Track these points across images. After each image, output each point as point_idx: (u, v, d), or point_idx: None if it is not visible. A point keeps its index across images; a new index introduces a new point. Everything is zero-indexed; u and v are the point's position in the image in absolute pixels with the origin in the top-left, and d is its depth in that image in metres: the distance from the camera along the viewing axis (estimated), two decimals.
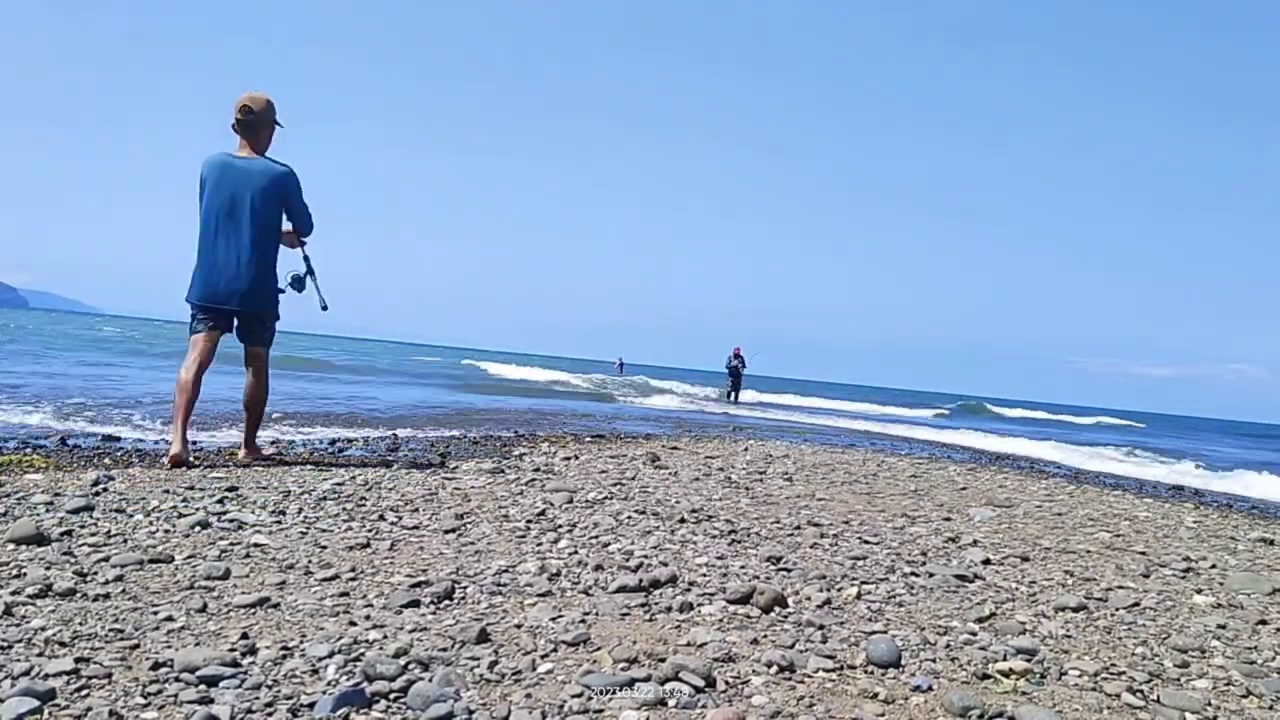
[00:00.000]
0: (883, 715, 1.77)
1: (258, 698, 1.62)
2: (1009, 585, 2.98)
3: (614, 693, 1.74)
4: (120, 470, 4.06)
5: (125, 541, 2.69)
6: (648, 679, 1.81)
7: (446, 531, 3.14)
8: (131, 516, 3.02)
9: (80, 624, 1.95)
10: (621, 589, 2.49)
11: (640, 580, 2.54)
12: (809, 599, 2.55)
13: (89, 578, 2.29)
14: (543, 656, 1.93)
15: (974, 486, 6.09)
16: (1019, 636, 2.34)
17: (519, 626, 2.13)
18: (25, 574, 2.27)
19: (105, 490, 3.44)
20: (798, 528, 3.71)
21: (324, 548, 2.80)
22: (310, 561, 2.61)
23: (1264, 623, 2.73)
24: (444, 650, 1.92)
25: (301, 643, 1.91)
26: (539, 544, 3.03)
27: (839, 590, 2.70)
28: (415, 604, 2.25)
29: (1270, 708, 1.99)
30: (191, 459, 4.30)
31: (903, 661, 2.07)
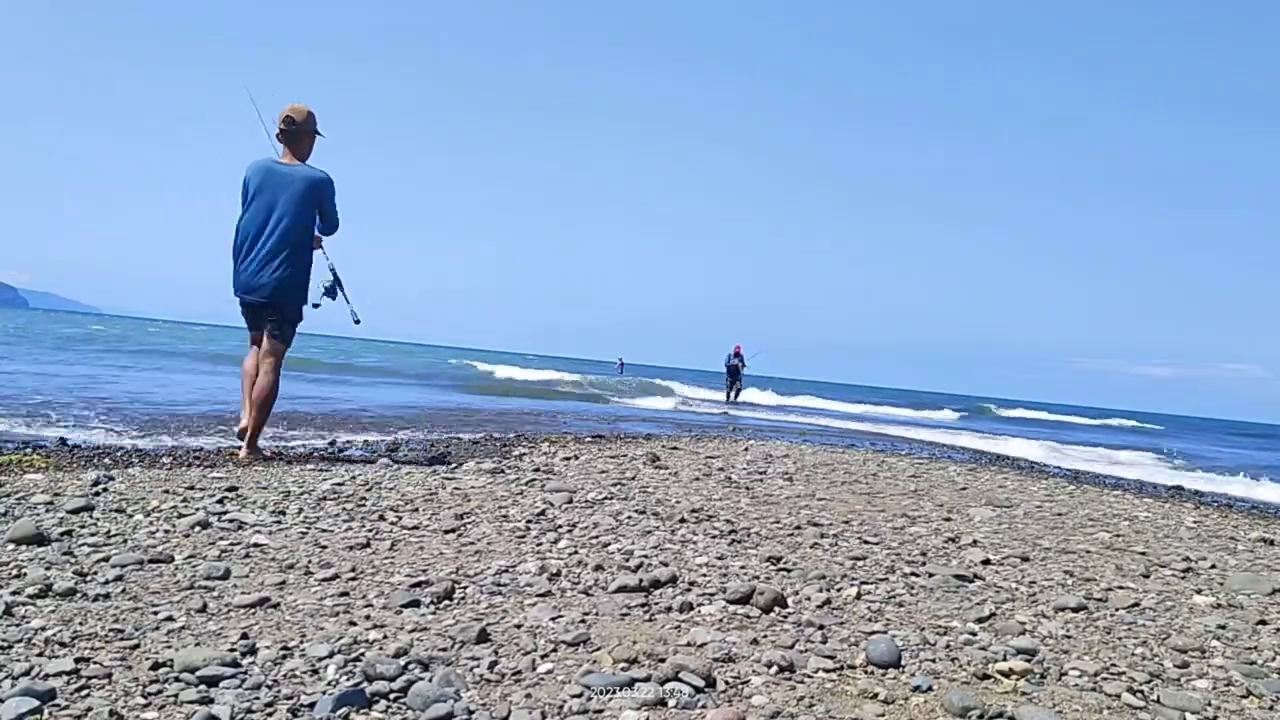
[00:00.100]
0: (883, 715, 1.77)
1: (258, 698, 1.62)
2: (1009, 585, 2.98)
3: (614, 693, 1.74)
4: (120, 470, 4.06)
5: (125, 541, 2.69)
6: (648, 679, 1.81)
7: (446, 531, 3.14)
8: (131, 516, 3.03)
9: (80, 624, 1.95)
10: (621, 589, 2.49)
11: (640, 580, 2.54)
12: (809, 599, 2.55)
13: (89, 578, 2.30)
14: (543, 656, 1.93)
15: (974, 486, 6.09)
16: (1019, 636, 2.34)
17: (519, 626, 2.13)
18: (25, 574, 2.27)
19: (105, 490, 3.44)
20: (798, 528, 3.71)
21: (324, 548, 2.80)
22: (310, 561, 2.61)
23: (1264, 623, 2.73)
24: (444, 650, 1.92)
25: (301, 643, 1.91)
26: (539, 544, 3.03)
27: (839, 590, 2.70)
28: (415, 604, 2.25)
29: (1270, 708, 1.99)
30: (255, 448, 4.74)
31: (903, 661, 2.07)
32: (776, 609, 2.42)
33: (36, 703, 1.52)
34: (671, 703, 1.73)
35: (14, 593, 2.10)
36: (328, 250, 4.92)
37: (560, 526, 3.32)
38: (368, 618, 2.13)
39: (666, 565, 2.81)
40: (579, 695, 1.72)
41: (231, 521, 3.04)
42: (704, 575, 2.75)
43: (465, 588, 2.44)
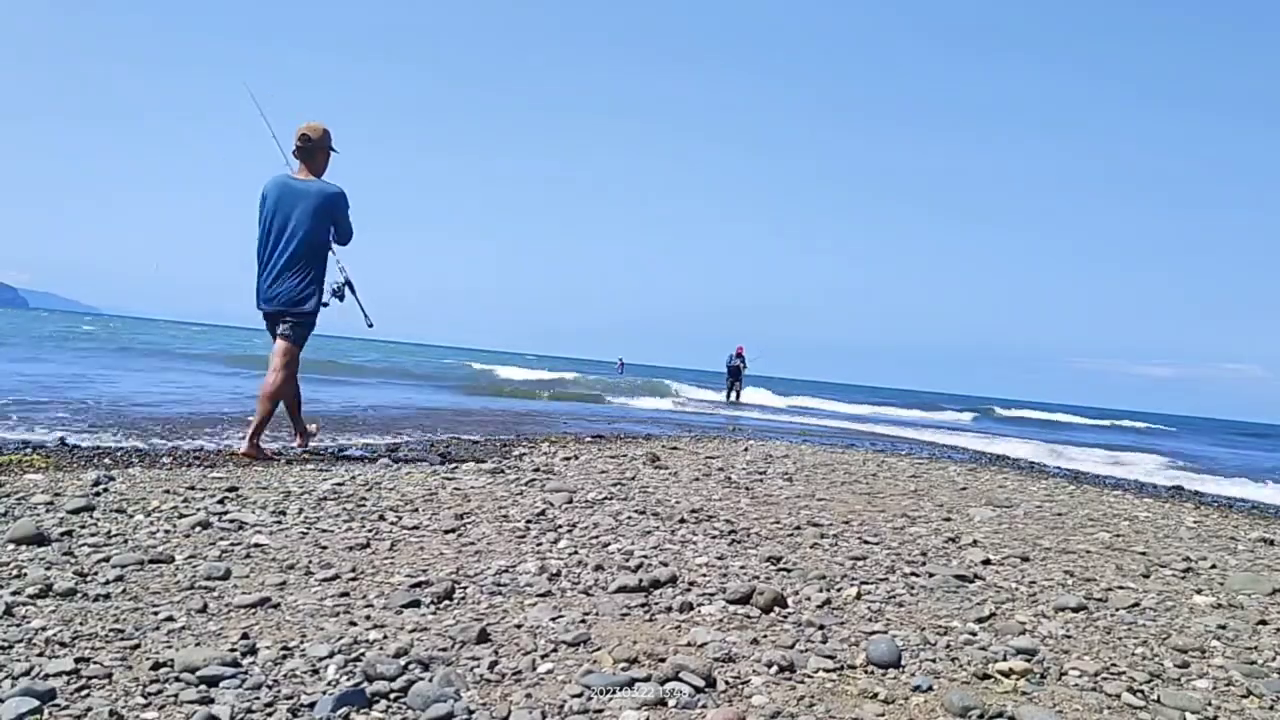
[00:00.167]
0: (883, 715, 1.77)
1: (258, 698, 1.62)
2: (1009, 585, 2.98)
3: (614, 693, 1.74)
4: (120, 470, 4.06)
5: (125, 541, 2.69)
6: (648, 679, 1.81)
7: (446, 531, 3.14)
8: (132, 516, 3.03)
9: (80, 624, 1.95)
10: (621, 589, 2.49)
11: (640, 580, 2.54)
12: (809, 599, 2.55)
13: (89, 578, 2.30)
14: (543, 656, 1.93)
15: (974, 486, 6.09)
16: (1019, 636, 2.34)
17: (519, 626, 2.13)
18: (25, 574, 2.27)
19: (105, 490, 3.44)
20: (798, 528, 3.71)
21: (324, 548, 2.80)
22: (310, 561, 2.61)
23: (1264, 623, 2.73)
24: (444, 650, 1.92)
25: (302, 643, 1.91)
26: (539, 544, 3.03)
27: (839, 590, 2.70)
28: (415, 604, 2.25)
29: (1270, 708, 1.99)
30: (311, 433, 5.26)
31: (903, 661, 2.07)
32: (776, 609, 2.42)
33: (36, 703, 1.52)
34: (671, 703, 1.73)
35: (14, 593, 2.11)
36: (341, 258, 5.11)
37: (560, 526, 3.32)
38: (368, 618, 2.13)
39: (666, 565, 2.81)
40: (579, 695, 1.72)
41: (232, 521, 3.04)
42: (704, 575, 2.75)
43: (465, 588, 2.44)
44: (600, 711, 1.67)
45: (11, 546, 2.53)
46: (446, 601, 2.30)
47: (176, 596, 2.21)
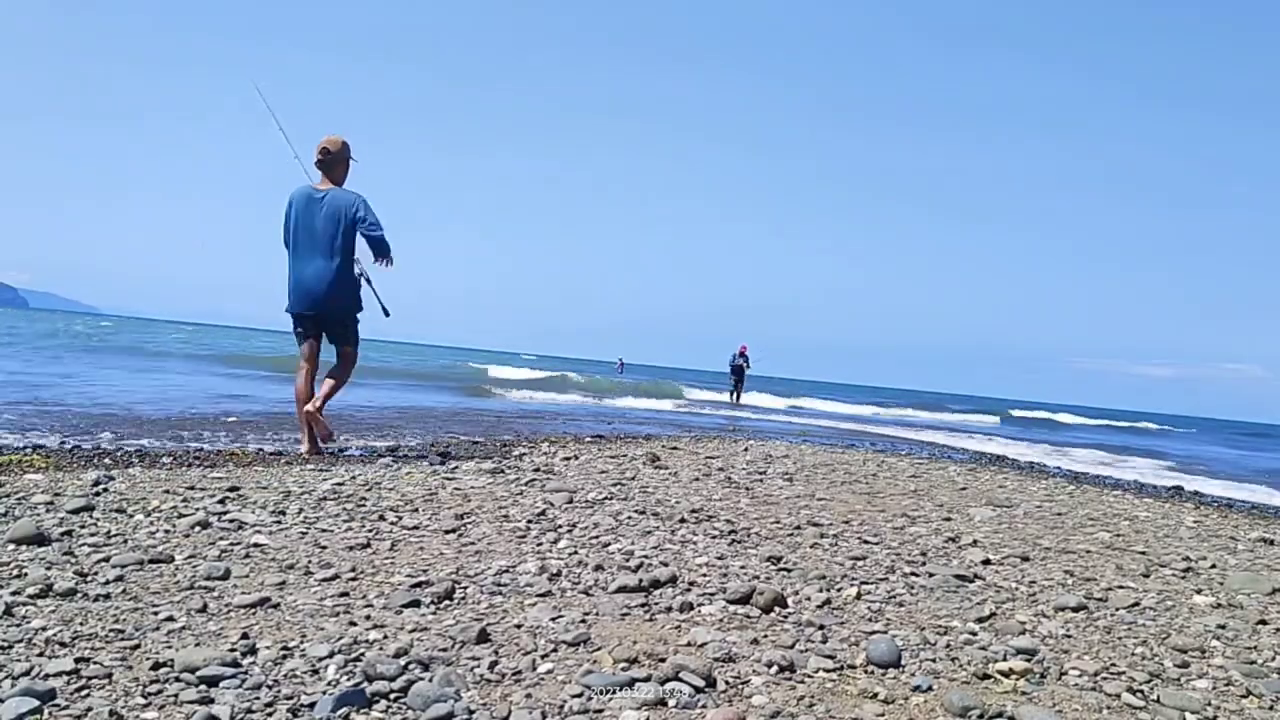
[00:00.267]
0: (883, 715, 1.77)
1: (258, 698, 1.62)
2: (1009, 585, 2.98)
3: (614, 693, 1.74)
4: (120, 470, 4.06)
5: (125, 541, 2.69)
6: (648, 679, 1.81)
7: (446, 531, 3.14)
8: (132, 516, 3.03)
9: (80, 624, 1.95)
10: (621, 589, 2.49)
11: (640, 580, 2.54)
12: (809, 599, 2.55)
13: (89, 578, 2.30)
14: (543, 656, 1.93)
15: (974, 486, 6.09)
16: (1019, 636, 2.34)
17: (519, 626, 2.13)
18: (26, 574, 2.27)
19: (105, 490, 3.44)
20: (798, 528, 3.71)
21: (324, 548, 2.80)
22: (310, 561, 2.61)
23: (1264, 623, 2.73)
24: (444, 650, 1.92)
25: (301, 643, 1.91)
26: (539, 544, 3.03)
27: (839, 590, 2.70)
28: (415, 604, 2.25)
29: (1270, 708, 1.99)
30: (321, 450, 5.22)
31: (903, 661, 2.07)
32: (776, 609, 2.42)
33: (36, 703, 1.52)
34: (672, 703, 1.73)
35: (14, 593, 2.11)
36: (359, 257, 5.33)
37: (560, 526, 3.32)
38: (368, 618, 2.13)
39: (666, 565, 2.81)
40: (579, 695, 1.72)
41: (232, 521, 3.04)
42: (704, 575, 2.75)
43: (465, 588, 2.44)
44: (600, 711, 1.67)
45: (11, 546, 2.53)
46: (446, 601, 2.30)
47: (176, 596, 2.21)
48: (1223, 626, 2.62)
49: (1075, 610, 2.70)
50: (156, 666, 1.73)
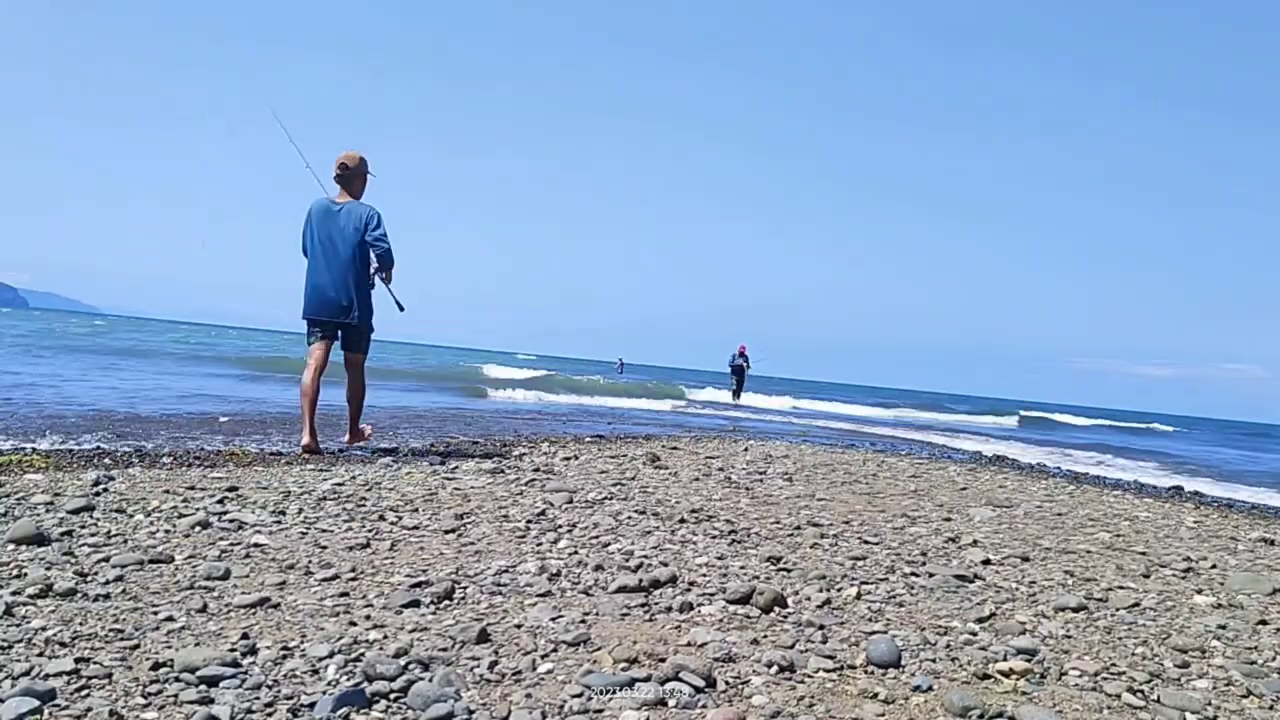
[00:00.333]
0: (883, 715, 1.77)
1: (258, 698, 1.62)
2: (1009, 585, 2.98)
3: (614, 693, 1.74)
4: (120, 470, 4.06)
5: (125, 541, 2.69)
6: (648, 679, 1.81)
7: (446, 531, 3.14)
8: (132, 516, 3.03)
9: (80, 624, 1.95)
10: (621, 589, 2.49)
11: (640, 580, 2.54)
12: (809, 599, 2.55)
13: (89, 578, 2.30)
14: (543, 656, 1.93)
15: (974, 486, 6.09)
16: (1019, 636, 2.34)
17: (519, 626, 2.13)
18: (25, 574, 2.27)
19: (105, 490, 3.44)
20: (798, 528, 3.71)
21: (324, 548, 2.80)
22: (310, 561, 2.61)
23: (1264, 623, 2.73)
24: (444, 650, 1.92)
25: (301, 643, 1.91)
26: (539, 544, 3.03)
27: (839, 590, 2.70)
28: (415, 604, 2.25)
29: (1270, 708, 1.99)
30: (318, 448, 5.27)
31: (903, 661, 2.07)
32: (776, 609, 2.42)
33: (36, 703, 1.52)
34: (672, 703, 1.73)
35: (14, 593, 2.11)
36: (374, 262, 5.57)
37: (560, 526, 3.32)
38: (368, 618, 2.13)
39: (666, 565, 2.81)
40: (579, 695, 1.72)
41: (232, 521, 3.04)
42: (704, 575, 2.75)
43: (465, 588, 2.44)
44: (600, 711, 1.67)
45: (11, 546, 2.53)
46: (446, 601, 2.30)
47: (176, 596, 2.20)
48: (1223, 626, 2.62)
49: (1075, 610, 2.70)
50: (156, 666, 1.73)
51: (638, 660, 1.93)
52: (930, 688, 1.92)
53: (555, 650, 1.97)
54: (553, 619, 2.18)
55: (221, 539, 2.80)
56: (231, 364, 17.62)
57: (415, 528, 3.18)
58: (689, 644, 2.08)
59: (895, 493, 5.30)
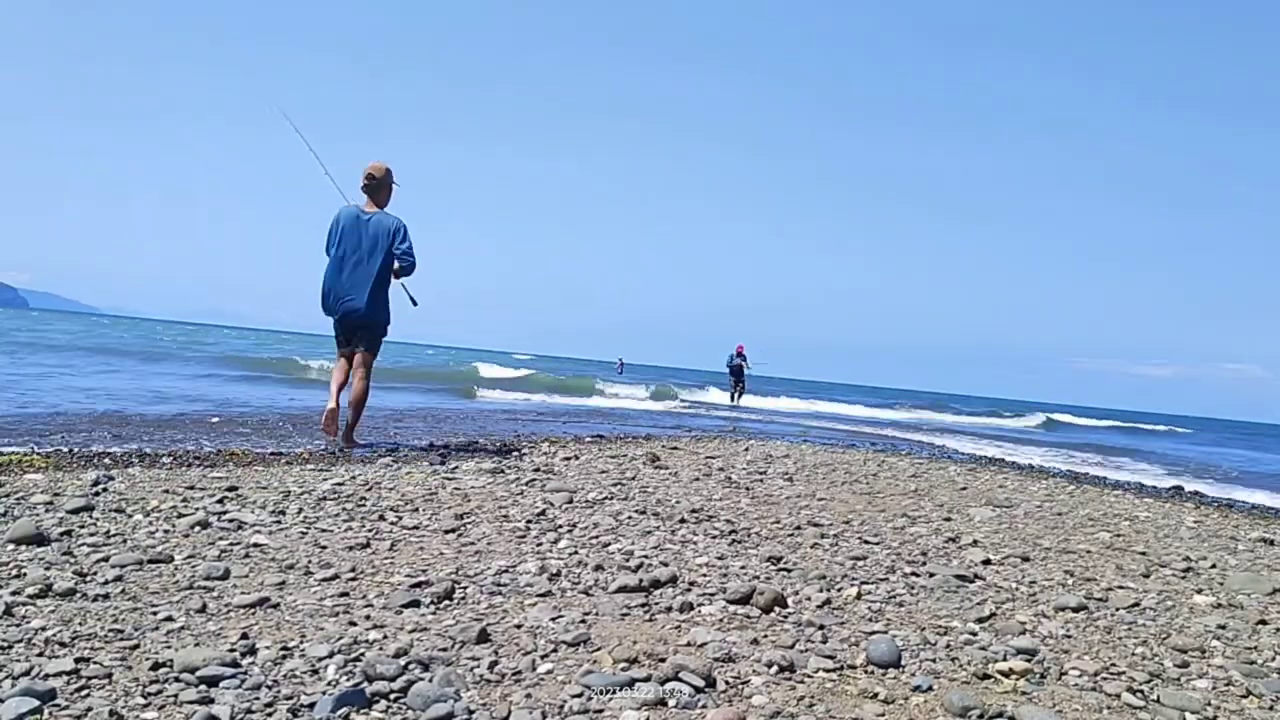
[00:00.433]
0: (883, 715, 1.77)
1: (258, 698, 1.62)
2: (1009, 585, 2.98)
3: (614, 693, 1.74)
4: (120, 470, 4.06)
5: (125, 541, 2.69)
6: (648, 679, 1.81)
7: (446, 531, 3.14)
8: (131, 516, 3.02)
9: (80, 624, 1.95)
10: (622, 589, 2.49)
11: (640, 580, 2.54)
12: (809, 599, 2.55)
13: (89, 578, 2.29)
14: (543, 656, 1.93)
15: (974, 486, 6.09)
16: (1019, 636, 2.34)
17: (519, 626, 2.13)
18: (25, 574, 2.27)
19: (105, 490, 3.44)
20: (798, 528, 3.71)
21: (324, 548, 2.80)
22: (310, 561, 2.61)
23: (1264, 623, 2.73)
24: (444, 650, 1.92)
25: (301, 643, 1.91)
26: (539, 544, 3.03)
27: (839, 590, 2.70)
28: (415, 604, 2.25)
29: (1270, 708, 1.99)
30: (335, 428, 5.62)
31: (903, 661, 2.07)
32: (776, 609, 2.42)
33: (36, 703, 1.52)
34: (671, 703, 1.73)
35: (14, 593, 2.10)
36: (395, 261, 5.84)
37: (560, 526, 3.32)
38: (368, 618, 2.13)
39: (666, 565, 2.81)
40: (579, 695, 1.72)
41: (231, 521, 3.04)
42: (704, 575, 2.75)
43: (465, 588, 2.44)
44: (600, 711, 1.67)
45: (11, 546, 2.53)
46: (446, 601, 2.30)
47: (176, 596, 2.20)
48: (1223, 626, 2.62)
49: (1075, 610, 2.69)
50: (156, 666, 1.73)
51: (638, 660, 1.93)
52: (930, 688, 1.92)
53: (555, 650, 1.97)
54: (553, 619, 2.18)
55: (221, 539, 2.80)
56: (232, 364, 17.62)
57: (415, 528, 3.18)
58: (689, 644, 2.08)
59: (895, 493, 5.30)
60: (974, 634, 2.34)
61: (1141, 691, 2.01)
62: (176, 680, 1.68)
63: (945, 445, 12.80)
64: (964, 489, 5.86)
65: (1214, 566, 3.64)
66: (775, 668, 1.95)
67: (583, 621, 2.19)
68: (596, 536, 3.20)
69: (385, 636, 1.99)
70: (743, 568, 2.90)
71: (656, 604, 2.40)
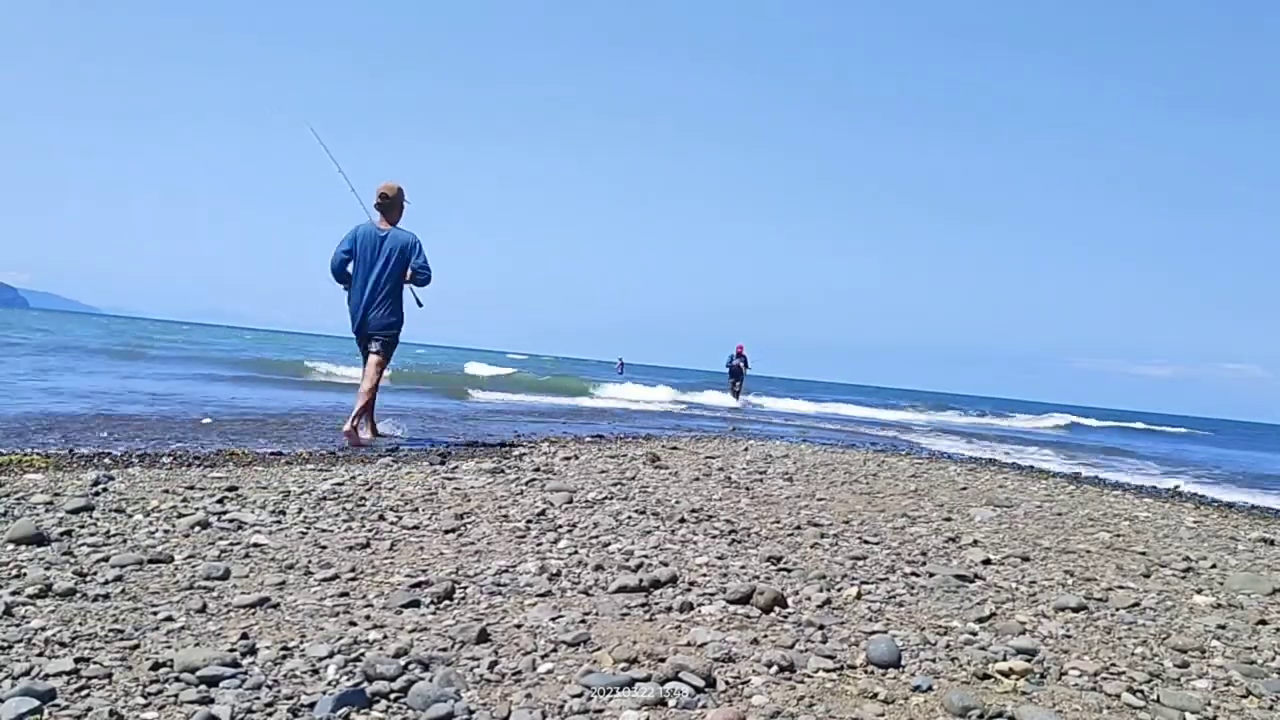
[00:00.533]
0: (883, 715, 1.77)
1: (258, 698, 1.62)
2: (1009, 585, 2.98)
3: (614, 693, 1.74)
4: (120, 470, 4.06)
5: (125, 541, 2.69)
6: (648, 679, 1.81)
7: (446, 531, 3.14)
8: (131, 516, 3.03)
9: (80, 624, 1.95)
10: (622, 589, 2.49)
11: (640, 580, 2.54)
12: (809, 599, 2.55)
13: (89, 578, 2.30)
14: (543, 656, 1.93)
15: (974, 486, 6.09)
16: (1019, 636, 2.34)
17: (519, 626, 2.13)
18: (25, 574, 2.27)
19: (105, 490, 3.44)
20: (798, 528, 3.71)
21: (324, 548, 2.80)
22: (310, 561, 2.61)
23: (1264, 623, 2.73)
24: (444, 650, 1.92)
25: (301, 643, 1.91)
26: (539, 544, 3.03)
27: (839, 590, 2.70)
28: (415, 604, 2.25)
29: (1270, 708, 1.99)
30: (359, 438, 5.94)
31: (903, 661, 2.07)
32: (776, 609, 2.42)
33: (36, 703, 1.52)
34: (671, 703, 1.73)
35: (14, 593, 2.10)
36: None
37: (560, 526, 3.32)
38: (368, 618, 2.13)
39: (666, 565, 2.81)
40: (579, 695, 1.72)
41: (231, 521, 3.04)
42: (704, 575, 2.75)
43: (465, 588, 2.44)
44: (600, 711, 1.67)
45: (11, 546, 2.53)
46: (446, 601, 2.30)
47: (176, 596, 2.20)
48: (1223, 626, 2.62)
49: (1075, 610, 2.70)
50: (156, 666, 1.73)
51: (638, 660, 1.93)
52: (930, 688, 1.92)
53: (555, 650, 1.97)
54: (553, 619, 2.18)
55: (221, 539, 2.80)
56: (233, 365, 17.61)
57: (415, 528, 3.18)
58: (689, 644, 2.08)
59: (895, 492, 5.30)
60: (974, 634, 2.35)
61: (1141, 691, 2.01)
62: (177, 680, 1.68)
63: (919, 442, 12.80)
64: (964, 489, 5.86)
65: (1214, 566, 3.64)
66: (775, 668, 1.95)
67: (583, 621, 2.19)
68: (596, 536, 3.20)
69: (385, 636, 1.99)
70: (743, 568, 2.90)
71: (656, 604, 2.40)
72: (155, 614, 2.05)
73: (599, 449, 6.74)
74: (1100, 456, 13.79)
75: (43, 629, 1.90)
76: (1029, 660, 2.13)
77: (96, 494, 3.36)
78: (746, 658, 2.01)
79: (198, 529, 2.90)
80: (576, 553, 2.92)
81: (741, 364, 22.83)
